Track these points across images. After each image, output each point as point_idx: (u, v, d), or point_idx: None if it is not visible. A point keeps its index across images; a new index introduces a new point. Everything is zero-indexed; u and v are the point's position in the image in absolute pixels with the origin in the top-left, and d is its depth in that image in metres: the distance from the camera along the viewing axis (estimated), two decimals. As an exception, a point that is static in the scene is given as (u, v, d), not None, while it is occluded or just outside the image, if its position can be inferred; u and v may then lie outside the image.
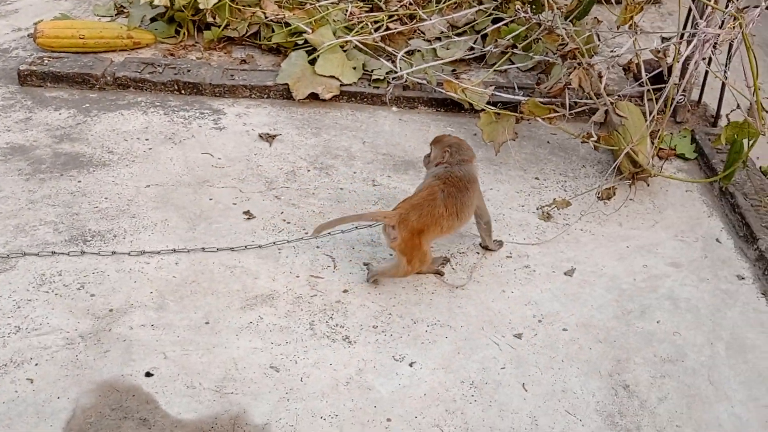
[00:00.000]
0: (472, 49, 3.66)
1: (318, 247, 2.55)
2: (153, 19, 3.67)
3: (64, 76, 3.26)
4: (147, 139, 3.01)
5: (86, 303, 2.24)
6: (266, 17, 3.60)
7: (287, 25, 3.55)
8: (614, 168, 2.80)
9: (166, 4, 3.49)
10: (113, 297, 2.27)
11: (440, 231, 2.35)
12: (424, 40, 3.73)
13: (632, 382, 2.12)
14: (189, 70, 3.36)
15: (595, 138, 2.89)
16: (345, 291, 2.37)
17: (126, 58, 3.41)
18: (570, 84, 2.94)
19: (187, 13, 3.57)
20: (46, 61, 3.29)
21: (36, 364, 2.03)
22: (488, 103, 3.17)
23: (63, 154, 2.87)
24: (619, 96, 3.09)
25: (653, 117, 2.85)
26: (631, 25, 2.91)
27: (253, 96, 3.35)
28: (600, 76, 2.93)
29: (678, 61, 2.91)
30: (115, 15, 3.82)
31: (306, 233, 2.59)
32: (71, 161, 2.84)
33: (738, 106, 2.82)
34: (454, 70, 3.56)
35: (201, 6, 3.48)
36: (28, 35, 3.56)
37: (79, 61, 3.33)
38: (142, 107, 3.21)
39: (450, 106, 3.37)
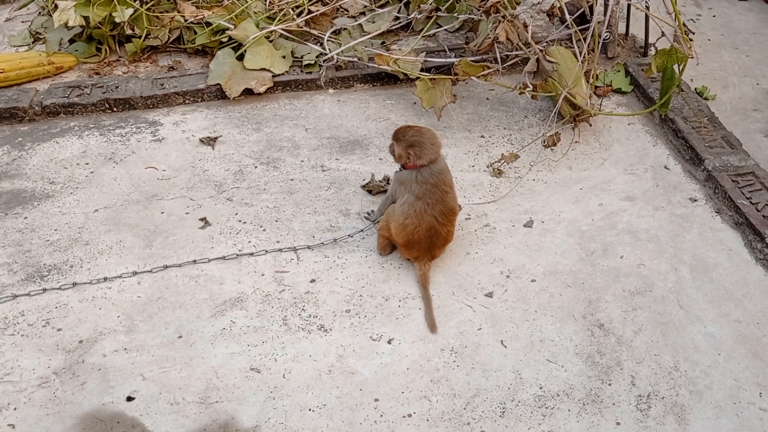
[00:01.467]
0: (397, 18, 3.65)
1: (278, 242, 2.54)
2: (71, 41, 3.57)
3: (-10, 113, 3.16)
4: (87, 163, 2.95)
5: (54, 339, 2.19)
6: (186, 20, 3.53)
7: (208, 24, 3.49)
8: (555, 114, 2.83)
9: (81, 24, 3.39)
10: (81, 328, 2.23)
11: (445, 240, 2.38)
12: (348, 17, 3.70)
13: (606, 320, 2.17)
14: (117, 87, 3.28)
15: (531, 87, 2.91)
16: (312, 281, 2.37)
17: (51, 85, 3.32)
18: (498, 38, 2.96)
19: (105, 29, 3.48)
20: (-32, 101, 3.19)
21: (15, 409, 1.99)
22: (422, 69, 3.17)
23: (3, 192, 2.79)
24: (547, 42, 3.12)
25: (584, 57, 2.88)
26: (548, -30, 2.93)
27: (187, 102, 3.30)
28: (526, 26, 2.95)
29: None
30: (32, 43, 3.71)
31: (264, 230, 2.58)
32: (14, 199, 2.76)
33: (663, 34, 2.87)
34: (383, 43, 3.55)
35: (117, 20, 3.39)
36: (-56, 77, 3.43)
37: (3, 95, 3.23)
38: (77, 132, 3.13)
39: (385, 79, 3.37)
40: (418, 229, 2.30)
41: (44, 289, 2.35)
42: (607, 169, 2.77)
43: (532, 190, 2.69)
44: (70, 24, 3.37)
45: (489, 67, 3.00)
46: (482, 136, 3.00)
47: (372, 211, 2.64)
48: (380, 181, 2.77)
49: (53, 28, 3.52)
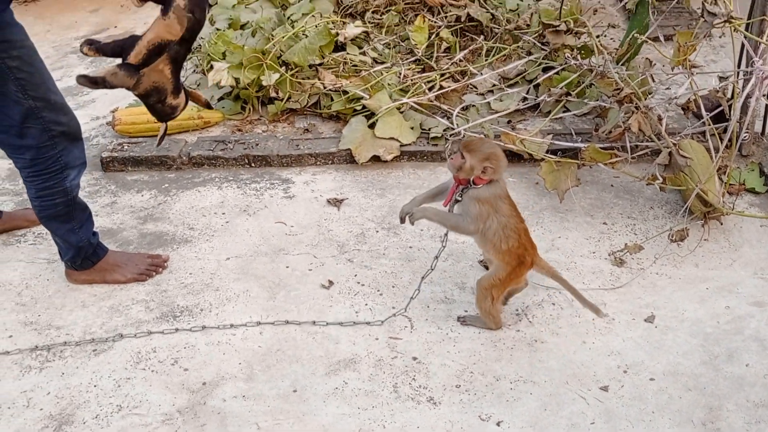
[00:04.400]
0: (525, 99, 3.72)
1: (393, 307, 2.61)
2: (220, 99, 3.86)
3: (143, 159, 3.45)
4: (224, 213, 3.15)
5: (181, 378, 2.34)
6: (325, 87, 3.74)
7: (345, 93, 3.69)
8: (686, 209, 2.79)
9: (232, 84, 3.67)
10: (205, 370, 2.37)
11: None
12: (477, 94, 3.81)
13: (726, 430, 2.08)
14: (257, 144, 3.51)
15: (661, 180, 2.89)
16: (425, 351, 2.42)
17: (198, 138, 3.59)
18: (630, 128, 2.97)
19: (251, 90, 3.74)
20: (126, 147, 3.50)
21: (138, 441, 2.12)
22: (547, 151, 3.21)
23: (148, 234, 3.03)
24: (681, 136, 3.09)
25: (719, 154, 2.84)
26: (685, 65, 2.93)
27: (319, 163, 3.48)
28: (660, 119, 2.95)
29: (738, 99, 2.91)
30: (184, 96, 4.02)
31: (380, 294, 2.66)
32: (156, 240, 2.99)
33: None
34: (509, 122, 3.63)
35: (264, 83, 3.65)
36: (107, 123, 3.78)
37: (156, 144, 3.51)
38: (217, 183, 3.36)
39: (509, 156, 3.40)
40: (521, 240, 2.31)
41: (176, 329, 2.52)
42: (736, 271, 2.69)
43: (655, 284, 2.64)
44: (222, 84, 3.66)
45: (617, 155, 3.01)
46: (604, 223, 2.99)
47: (465, 313, 2.59)
48: (498, 258, 2.80)
49: (206, 86, 3.82)
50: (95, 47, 2.17)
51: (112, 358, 2.42)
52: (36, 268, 2.84)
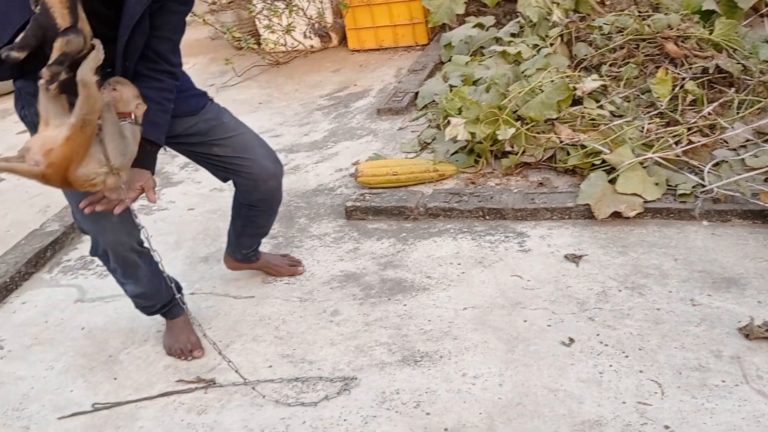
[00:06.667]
0: (786, 155, 3.42)
1: (641, 371, 2.47)
2: (454, 152, 3.98)
3: (383, 209, 3.63)
4: (459, 264, 3.21)
5: (423, 421, 2.38)
6: (561, 141, 3.72)
7: (583, 147, 3.64)
8: None
9: (468, 139, 3.78)
10: (447, 416, 2.39)
11: None
12: (728, 149, 3.57)
13: None
14: (492, 197, 3.56)
15: None
16: (678, 420, 2.25)
17: (434, 190, 3.71)
18: None
19: (486, 144, 3.82)
20: (367, 197, 3.71)
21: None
22: (817, 213, 2.91)
23: (388, 280, 3.16)
24: None
25: None
26: None
27: (555, 217, 3.43)
28: None
29: None
30: (419, 150, 4.20)
31: (626, 356, 2.53)
32: (396, 286, 3.11)
33: None
34: (767, 179, 3.35)
35: (500, 137, 3.71)
36: (349, 175, 4.05)
37: (394, 195, 3.69)
38: (451, 234, 3.44)
39: (764, 218, 3.15)
40: None
41: (417, 374, 2.58)
42: None
43: None
44: (459, 138, 3.78)
45: None
46: None
47: None
48: (760, 326, 2.56)
49: (442, 141, 3.97)
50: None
51: (359, 395, 2.52)
52: (290, 306, 3.07)
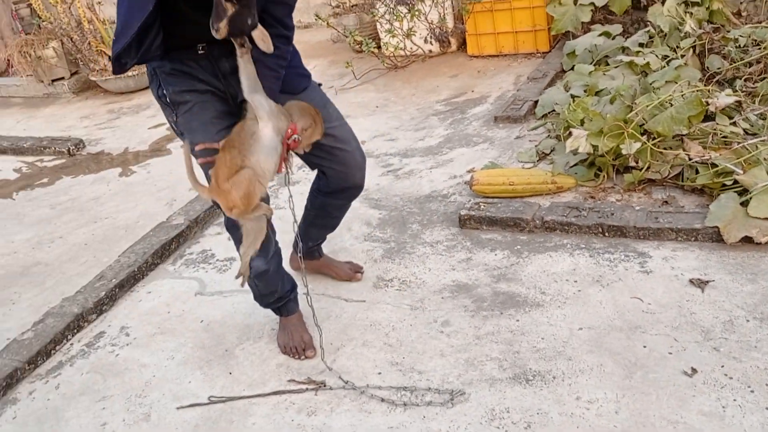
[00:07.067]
0: None
1: (767, 408, 2.32)
2: (573, 165, 3.87)
3: (498, 219, 3.58)
4: (575, 281, 3.12)
5: (534, 444, 2.33)
6: (690, 159, 3.54)
7: (713, 165, 3.45)
8: None
9: (589, 151, 3.67)
10: (558, 441, 2.33)
11: None
12: None
13: None
14: (612, 213, 3.43)
15: None
16: (815, 468, 2.09)
17: (552, 203, 3.63)
18: None
19: (608, 158, 3.69)
20: (482, 207, 3.67)
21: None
22: None
23: (501, 293, 3.11)
24: None
25: None
26: None
27: (680, 239, 3.27)
28: None
29: None
30: (537, 161, 4.12)
31: (751, 391, 2.38)
32: (508, 300, 3.06)
33: None
34: None
35: (624, 151, 3.57)
36: (464, 182, 4.02)
37: (510, 205, 3.64)
38: (568, 249, 3.35)
39: None
40: None
41: (528, 393, 2.52)
42: None
43: None
44: (580, 150, 3.67)
45: None
46: None
47: None
48: None
49: (562, 152, 3.87)
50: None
51: (468, 410, 2.50)
52: (401, 313, 3.08)
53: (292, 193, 2.75)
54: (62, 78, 7.36)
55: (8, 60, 7.72)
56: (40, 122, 6.74)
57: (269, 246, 2.76)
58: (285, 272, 2.95)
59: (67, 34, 7.05)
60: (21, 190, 5.21)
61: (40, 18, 7.35)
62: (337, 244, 3.64)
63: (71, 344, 3.27)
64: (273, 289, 2.91)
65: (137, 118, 6.44)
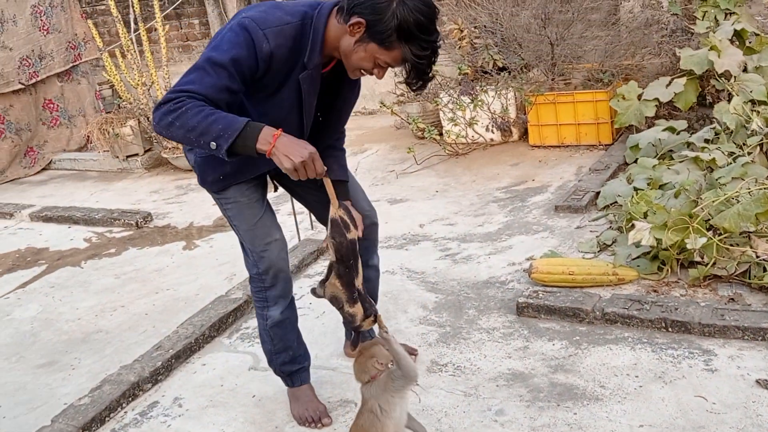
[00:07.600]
0: None
1: None
2: (635, 257, 3.81)
3: (557, 309, 3.52)
4: (637, 376, 3.01)
5: None
6: (758, 256, 3.45)
7: (782, 263, 3.34)
8: None
9: (652, 244, 3.61)
10: None
11: None
12: None
13: None
14: (676, 308, 3.34)
15: None
16: None
17: (613, 295, 3.56)
18: None
19: (672, 251, 3.62)
20: (541, 295, 3.62)
21: None
22: None
23: (558, 384, 3.03)
24: None
25: None
26: None
27: (747, 338, 3.15)
28: None
29: None
30: (598, 252, 4.07)
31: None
32: (566, 392, 2.97)
33: None
34: None
35: (689, 246, 3.51)
36: (522, 270, 3.99)
37: (570, 295, 3.58)
38: (629, 343, 3.26)
39: None
40: None
41: (586, 491, 2.41)
42: None
43: None
44: (643, 243, 3.62)
45: None
46: None
47: None
48: None
49: (624, 244, 3.82)
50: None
51: (521, 506, 2.40)
52: (454, 399, 3.02)
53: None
54: (136, 154, 7.70)
55: (88, 136, 8.15)
56: (113, 195, 7.03)
57: (288, 292, 2.97)
58: (301, 336, 3.09)
59: (144, 114, 7.43)
60: (89, 259, 5.39)
61: (120, 98, 7.78)
62: (392, 326, 3.62)
63: (125, 412, 3.30)
64: (293, 356, 3.03)
65: (203, 194, 6.64)
